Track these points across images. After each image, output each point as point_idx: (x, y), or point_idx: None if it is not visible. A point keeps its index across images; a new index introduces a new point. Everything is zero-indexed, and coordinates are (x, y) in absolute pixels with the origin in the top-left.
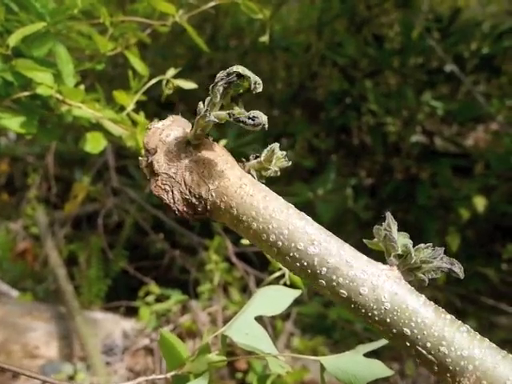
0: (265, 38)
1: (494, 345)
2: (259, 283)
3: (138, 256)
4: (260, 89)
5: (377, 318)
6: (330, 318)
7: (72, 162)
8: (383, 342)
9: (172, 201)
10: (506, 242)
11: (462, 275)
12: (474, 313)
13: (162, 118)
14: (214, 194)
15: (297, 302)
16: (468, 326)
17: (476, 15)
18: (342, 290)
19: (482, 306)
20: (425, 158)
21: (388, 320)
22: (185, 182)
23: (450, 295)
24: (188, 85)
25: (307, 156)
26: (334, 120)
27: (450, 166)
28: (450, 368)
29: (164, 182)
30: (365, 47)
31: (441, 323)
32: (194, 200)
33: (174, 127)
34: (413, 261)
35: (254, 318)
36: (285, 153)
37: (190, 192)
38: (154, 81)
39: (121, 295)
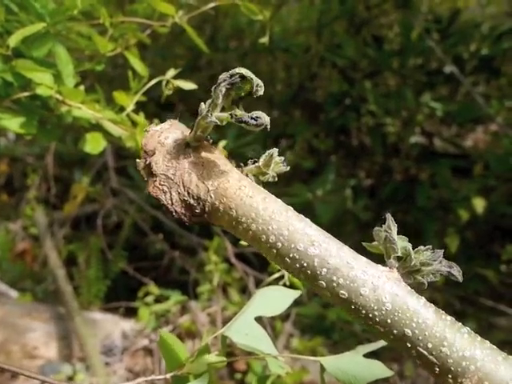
0: (265, 39)
1: (495, 346)
2: (258, 284)
3: (138, 256)
4: (261, 92)
5: (378, 319)
6: (329, 318)
7: (71, 162)
8: (383, 342)
9: (170, 202)
10: (505, 243)
11: (460, 279)
12: (473, 314)
13: (161, 118)
14: (212, 196)
15: (296, 302)
16: (468, 328)
17: (475, 16)
18: (342, 291)
19: (481, 308)
20: (424, 158)
21: (389, 321)
22: (183, 183)
23: (449, 296)
24: (188, 85)
25: (306, 157)
26: (334, 121)
27: (450, 167)
28: (452, 369)
29: (162, 183)
30: (364, 48)
31: (442, 324)
32: (192, 201)
33: (172, 130)
34: (412, 263)
35: (253, 319)
36: (283, 158)
37: (188, 193)
38: (153, 81)
39: (120, 296)
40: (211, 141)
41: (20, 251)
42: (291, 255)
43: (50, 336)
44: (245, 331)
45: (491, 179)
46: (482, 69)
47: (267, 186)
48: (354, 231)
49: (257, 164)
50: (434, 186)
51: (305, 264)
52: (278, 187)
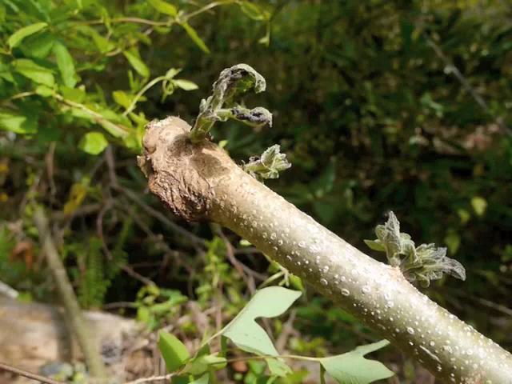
0: (265, 40)
1: (498, 345)
2: (258, 284)
3: (137, 257)
4: (263, 88)
5: (379, 317)
6: (328, 319)
7: (71, 162)
8: (383, 343)
9: (170, 199)
10: (504, 244)
11: (463, 277)
12: (473, 314)
13: (161, 118)
14: (214, 192)
15: (296, 303)
16: (471, 327)
17: (475, 17)
18: (344, 289)
19: (481, 308)
20: (424, 159)
21: (391, 319)
22: (184, 180)
23: (449, 297)
24: (188, 85)
25: (307, 157)
26: (334, 121)
27: (449, 168)
28: (455, 367)
29: (163, 180)
30: (364, 49)
31: (445, 322)
32: (193, 198)
33: (173, 127)
34: (415, 261)
35: (253, 320)
36: (284, 155)
37: (189, 190)
38: (154, 81)
39: (120, 296)
40: (212, 138)
41: (20, 251)
42: (293, 253)
43: (49, 336)
44: (245, 332)
45: (491, 180)
46: (482, 70)
47: (267, 185)
48: (353, 232)
49: (258, 161)
50: (433, 187)
51: (306, 262)
52: (278, 187)
